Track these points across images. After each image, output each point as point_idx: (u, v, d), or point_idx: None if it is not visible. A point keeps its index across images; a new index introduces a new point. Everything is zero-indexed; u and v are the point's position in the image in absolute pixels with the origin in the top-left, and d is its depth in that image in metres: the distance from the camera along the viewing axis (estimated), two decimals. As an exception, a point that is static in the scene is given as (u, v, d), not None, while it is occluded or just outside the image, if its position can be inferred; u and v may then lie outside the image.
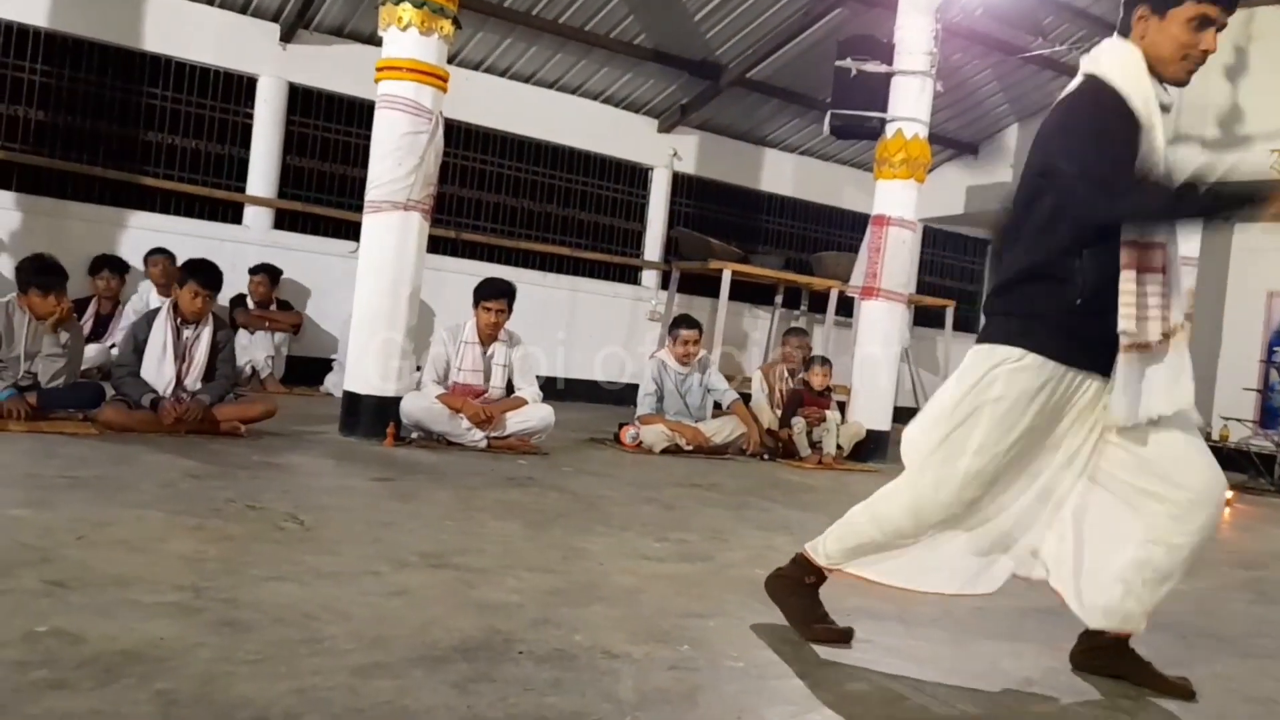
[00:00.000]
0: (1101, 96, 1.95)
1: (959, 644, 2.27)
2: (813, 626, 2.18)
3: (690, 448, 5.38)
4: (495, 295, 4.77)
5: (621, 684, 1.75)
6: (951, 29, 6.90)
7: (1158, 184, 1.88)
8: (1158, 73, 1.99)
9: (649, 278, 8.79)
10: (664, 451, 5.30)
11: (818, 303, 8.92)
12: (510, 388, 4.87)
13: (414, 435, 4.63)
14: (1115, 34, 2.05)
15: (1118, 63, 1.98)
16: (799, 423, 5.60)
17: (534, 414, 4.79)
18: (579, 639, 1.95)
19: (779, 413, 5.90)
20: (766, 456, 5.62)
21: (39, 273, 4.01)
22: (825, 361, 5.86)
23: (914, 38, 5.95)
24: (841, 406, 6.06)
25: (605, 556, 2.71)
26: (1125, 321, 1.89)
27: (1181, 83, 2.02)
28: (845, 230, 9.73)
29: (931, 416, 2.12)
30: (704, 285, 8.46)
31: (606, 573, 2.54)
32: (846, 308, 7.58)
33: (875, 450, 6.04)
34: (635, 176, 8.77)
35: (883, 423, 6.14)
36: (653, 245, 8.81)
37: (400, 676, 1.65)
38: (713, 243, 8.02)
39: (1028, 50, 7.90)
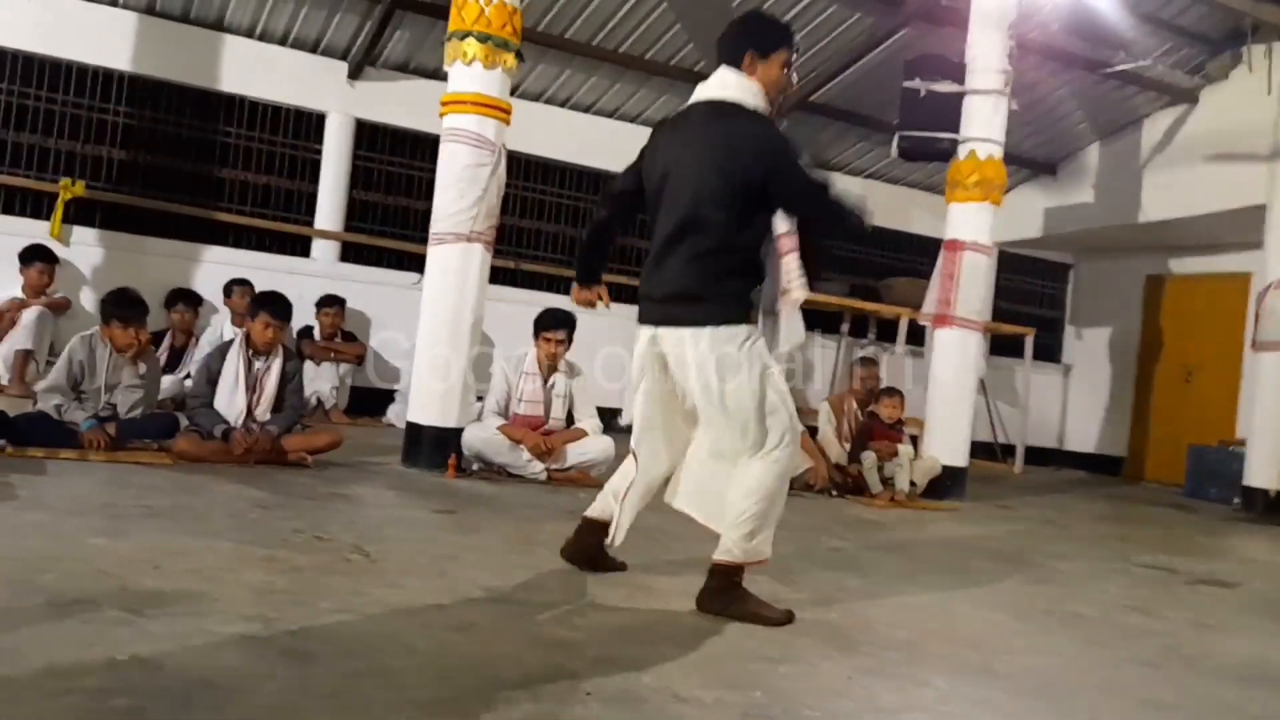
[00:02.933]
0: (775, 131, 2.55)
1: (1050, 697, 2.13)
2: (760, 611, 2.45)
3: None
4: (555, 326, 4.77)
5: (694, 732, 1.68)
6: (1026, 45, 6.73)
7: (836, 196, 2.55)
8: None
9: (709, 306, 8.72)
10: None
11: (886, 331, 8.72)
12: (570, 419, 4.85)
13: (475, 467, 4.63)
14: (724, 66, 2.60)
15: (754, 94, 2.57)
16: (869, 457, 5.42)
17: (594, 446, 4.75)
18: (647, 680, 1.90)
19: (848, 447, 5.74)
20: (835, 493, 5.45)
21: (121, 305, 4.15)
22: (895, 392, 5.68)
23: (986, 55, 5.81)
24: (914, 440, 5.87)
25: (670, 595, 2.64)
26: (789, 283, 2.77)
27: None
28: (914, 255, 9.50)
29: (741, 421, 2.49)
30: (765, 313, 8.34)
31: (672, 610, 2.48)
32: (917, 336, 7.38)
33: (952, 487, 5.78)
34: (695, 205, 8.74)
35: (959, 458, 5.90)
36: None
37: (466, 714, 1.62)
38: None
39: (1109, 65, 7.65)
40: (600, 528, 2.75)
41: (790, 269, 2.77)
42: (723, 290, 2.49)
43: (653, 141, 2.70)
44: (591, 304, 2.99)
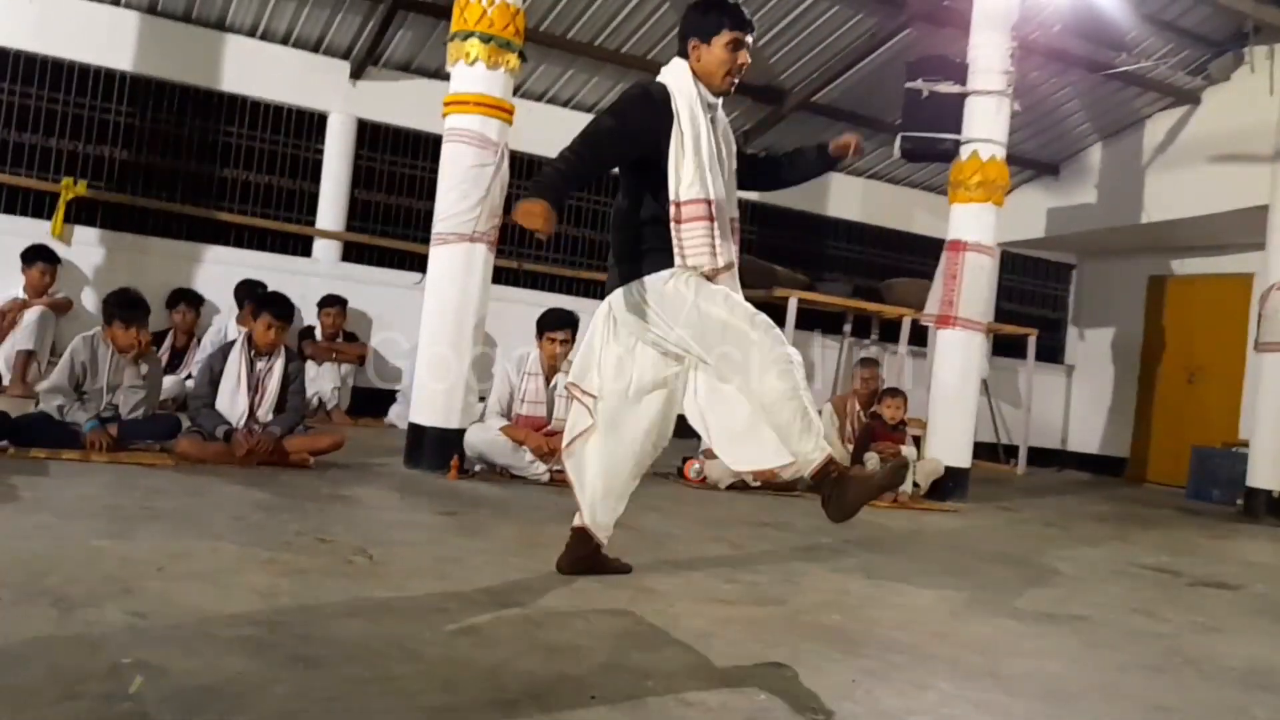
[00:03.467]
0: (634, 91, 2.62)
1: (1055, 701, 2.13)
2: (869, 482, 2.47)
3: (757, 484, 5.25)
4: (559, 326, 4.77)
5: (699, 737, 1.68)
6: (1029, 46, 6.72)
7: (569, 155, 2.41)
8: (707, 84, 2.65)
9: (711, 306, 8.72)
10: (730, 487, 5.19)
11: (889, 332, 8.71)
12: (574, 419, 4.84)
13: (477, 468, 4.63)
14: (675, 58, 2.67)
15: (675, 75, 2.63)
16: (872, 459, 5.43)
17: (598, 445, 4.74)
18: (651, 685, 1.89)
19: (850, 448, 5.74)
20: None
21: (123, 306, 4.15)
22: (898, 393, 5.68)
23: (989, 56, 5.80)
24: (917, 441, 5.86)
25: (674, 598, 2.63)
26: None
27: (724, 92, 2.69)
28: (916, 256, 9.50)
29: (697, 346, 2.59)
30: (768, 313, 8.31)
31: (676, 615, 2.46)
32: (919, 337, 7.38)
33: (955, 488, 5.79)
34: (697, 205, 8.74)
35: (962, 459, 5.89)
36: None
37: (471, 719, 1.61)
38: (777, 269, 7.91)
39: (1111, 66, 7.64)
40: (589, 534, 2.75)
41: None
42: (627, 266, 2.61)
43: None
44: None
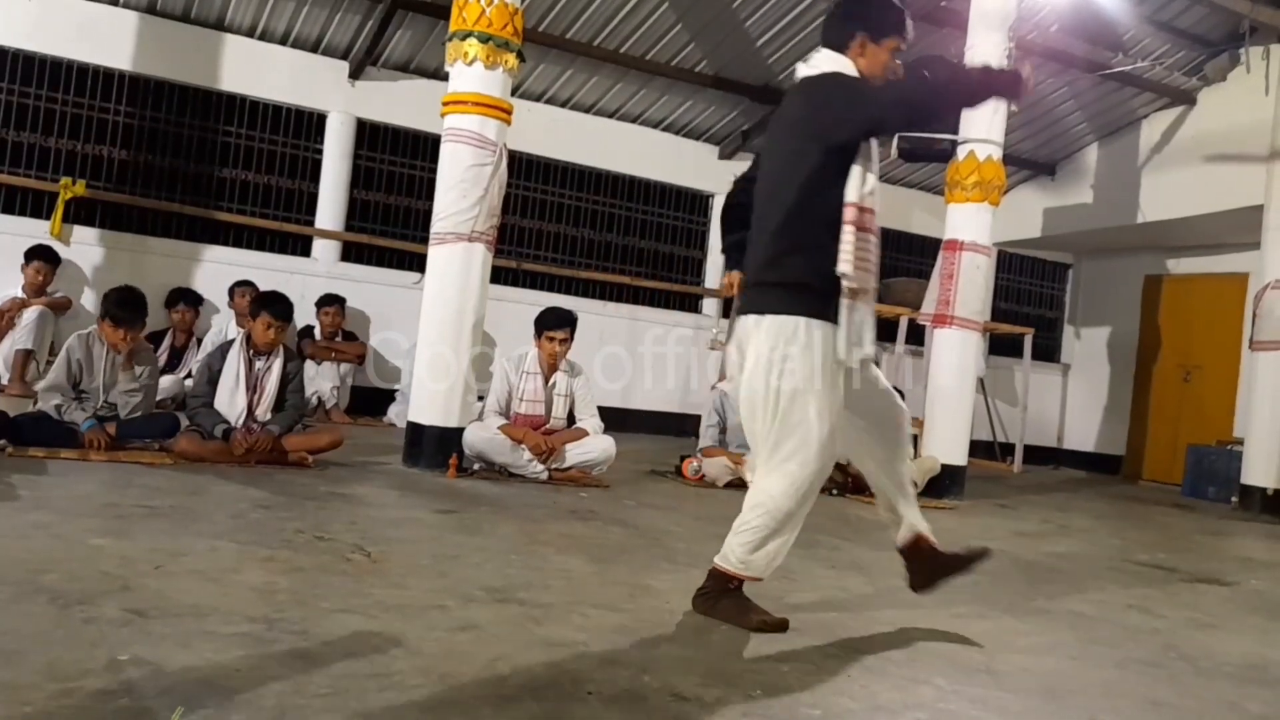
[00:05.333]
0: (846, 76, 2.38)
1: (1052, 697, 2.14)
2: (750, 616, 2.37)
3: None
4: (558, 325, 4.78)
5: (695, 731, 1.69)
6: (1025, 47, 6.73)
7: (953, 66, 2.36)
8: None
9: (710, 306, 8.75)
10: (727, 485, 5.21)
11: (885, 330, 8.72)
12: (571, 418, 4.86)
13: (476, 466, 4.64)
14: (825, 49, 2.45)
15: (841, 68, 2.39)
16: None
17: (595, 445, 4.76)
18: (648, 680, 1.90)
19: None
20: (835, 492, 5.45)
21: (119, 306, 4.15)
22: (895, 392, 5.69)
23: (986, 56, 5.80)
24: (914, 440, 5.87)
25: (672, 594, 2.65)
26: (844, 265, 2.28)
27: None
28: (914, 255, 9.52)
29: (755, 406, 2.38)
30: (765, 313, 8.35)
31: (674, 611, 2.48)
32: (916, 336, 7.40)
33: (951, 486, 5.80)
34: (696, 204, 8.77)
35: (958, 457, 5.90)
36: (714, 273, 8.76)
37: (469, 714, 1.63)
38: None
39: (1107, 66, 7.66)
40: (920, 539, 2.63)
41: (844, 244, 2.33)
42: (783, 274, 2.35)
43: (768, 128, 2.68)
44: (729, 288, 2.71)
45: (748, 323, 2.40)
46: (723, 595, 2.43)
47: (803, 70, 2.47)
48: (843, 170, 2.32)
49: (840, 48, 2.42)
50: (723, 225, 2.78)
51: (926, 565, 2.58)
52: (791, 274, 2.33)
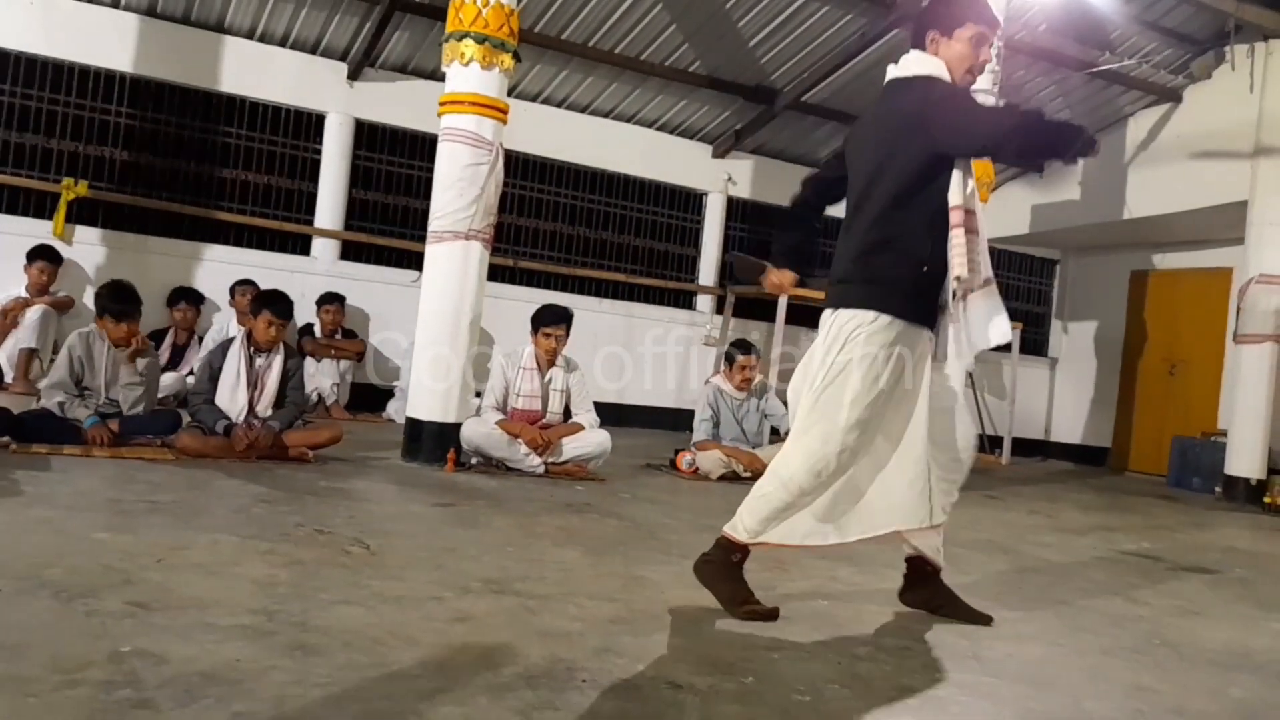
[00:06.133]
0: (946, 84, 2.44)
1: (1038, 683, 2.19)
2: (741, 607, 2.40)
3: (748, 474, 5.32)
4: (554, 321, 4.82)
5: (686, 716, 1.73)
6: (1014, 46, 6.79)
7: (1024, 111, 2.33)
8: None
9: (704, 302, 8.79)
10: (721, 478, 5.26)
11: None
12: (567, 413, 4.91)
13: (474, 461, 4.69)
14: (913, 50, 2.52)
15: (934, 68, 2.45)
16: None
17: (591, 440, 4.81)
18: (642, 669, 1.94)
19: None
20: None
21: (114, 299, 4.18)
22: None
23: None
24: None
25: (666, 585, 2.69)
26: (959, 269, 2.35)
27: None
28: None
29: (805, 379, 2.44)
30: (759, 309, 8.42)
31: (668, 602, 2.52)
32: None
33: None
34: (689, 202, 8.81)
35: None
36: (707, 270, 8.82)
37: (466, 703, 1.66)
38: (767, 266, 7.96)
39: (1094, 65, 7.71)
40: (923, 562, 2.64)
41: (955, 247, 2.36)
42: (865, 272, 2.39)
43: (852, 129, 2.70)
44: (780, 288, 2.80)
45: (828, 317, 2.44)
46: (723, 570, 2.45)
47: (894, 72, 2.52)
48: (941, 173, 2.37)
49: (920, 46, 2.51)
50: (784, 225, 2.86)
51: (927, 590, 2.64)
52: (878, 270, 2.38)
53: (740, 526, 2.44)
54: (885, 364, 2.34)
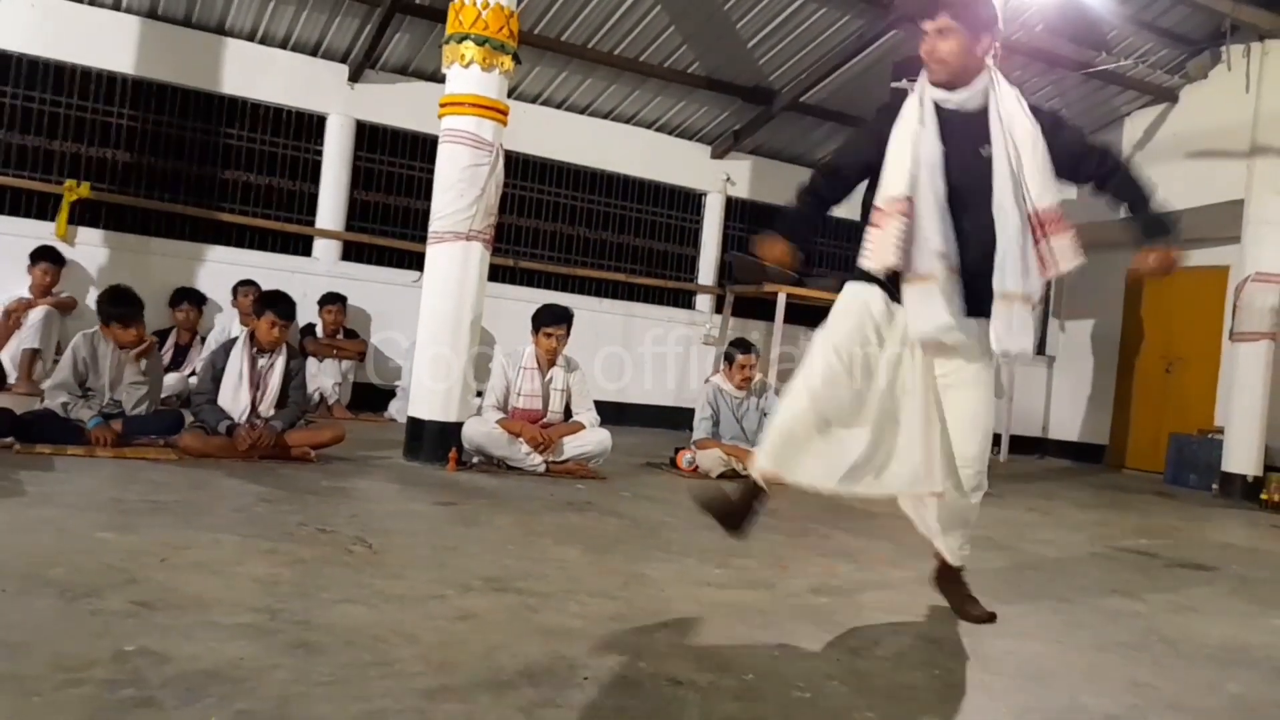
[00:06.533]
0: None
1: (1036, 679, 2.20)
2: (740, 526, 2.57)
3: (747, 472, 5.33)
4: (555, 321, 4.84)
5: (687, 712, 1.75)
6: (1011, 46, 6.81)
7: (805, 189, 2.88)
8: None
9: (703, 302, 8.81)
10: (721, 476, 5.27)
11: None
12: (568, 412, 4.92)
13: (475, 460, 4.71)
14: None
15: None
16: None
17: (591, 438, 4.83)
18: (643, 665, 1.95)
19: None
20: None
21: (116, 305, 4.20)
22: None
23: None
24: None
25: (666, 583, 2.70)
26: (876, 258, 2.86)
27: (937, 83, 2.60)
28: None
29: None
30: (758, 309, 8.43)
31: (668, 599, 2.53)
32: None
33: (938, 475, 5.89)
34: (689, 202, 8.83)
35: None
36: (706, 270, 8.84)
37: (467, 700, 1.67)
38: (766, 266, 7.98)
39: (1091, 65, 7.73)
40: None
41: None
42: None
43: None
44: (776, 259, 2.87)
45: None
46: (738, 505, 2.59)
47: (1007, 88, 2.59)
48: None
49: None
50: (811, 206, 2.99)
51: (951, 586, 2.73)
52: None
53: (761, 455, 2.56)
54: (858, 317, 2.75)
